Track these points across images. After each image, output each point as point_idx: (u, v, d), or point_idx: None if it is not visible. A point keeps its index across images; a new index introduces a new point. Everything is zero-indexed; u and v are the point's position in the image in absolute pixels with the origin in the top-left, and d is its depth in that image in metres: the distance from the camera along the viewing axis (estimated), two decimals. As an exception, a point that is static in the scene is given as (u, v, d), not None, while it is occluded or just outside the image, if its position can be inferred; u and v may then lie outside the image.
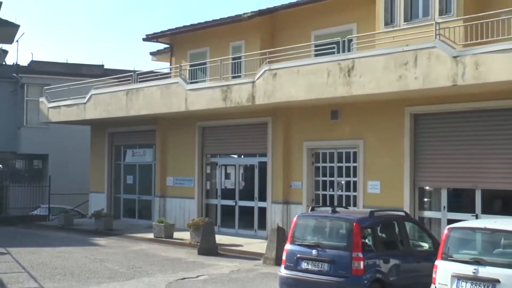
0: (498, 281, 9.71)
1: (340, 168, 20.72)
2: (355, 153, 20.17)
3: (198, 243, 20.29)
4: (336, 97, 18.42)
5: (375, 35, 19.50)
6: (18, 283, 14.67)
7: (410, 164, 18.53)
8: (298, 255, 12.24)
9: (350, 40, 19.74)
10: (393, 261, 12.13)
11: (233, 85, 21.14)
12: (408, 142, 18.59)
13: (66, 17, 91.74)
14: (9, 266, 17.21)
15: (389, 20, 19.52)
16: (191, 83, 23.56)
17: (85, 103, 27.50)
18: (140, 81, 25.52)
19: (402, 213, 13.96)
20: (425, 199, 18.81)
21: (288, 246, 12.63)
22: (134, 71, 27.55)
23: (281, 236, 17.56)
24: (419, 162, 18.54)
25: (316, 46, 21.03)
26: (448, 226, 11.09)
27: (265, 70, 19.91)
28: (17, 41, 37.34)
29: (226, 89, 21.26)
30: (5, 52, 29.87)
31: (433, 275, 10.59)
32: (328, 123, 20.63)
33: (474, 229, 10.83)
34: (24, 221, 29.34)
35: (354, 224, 11.87)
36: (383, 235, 12.83)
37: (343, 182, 20.69)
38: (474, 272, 9.96)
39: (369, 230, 12.30)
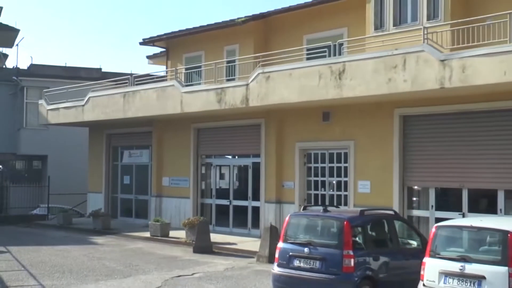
0: (483, 277, 9.74)
1: (331, 168, 20.73)
2: (346, 154, 20.18)
3: (193, 242, 20.27)
4: (328, 99, 18.43)
5: (365, 39, 19.52)
6: (18, 281, 14.64)
7: (399, 165, 18.56)
8: (291, 253, 12.25)
9: (341, 44, 19.76)
10: (382, 259, 12.14)
11: (228, 88, 21.13)
12: (397, 143, 18.62)
13: (65, 21, 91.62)
14: (9, 264, 17.17)
15: (379, 25, 19.54)
16: (187, 86, 23.53)
17: (83, 105, 27.46)
18: (136, 84, 25.49)
19: (391, 212, 13.99)
20: (414, 198, 18.83)
21: (280, 244, 12.63)
22: (131, 74, 27.49)
23: (274, 234, 17.54)
24: (408, 163, 18.57)
25: (308, 49, 21.05)
26: (436, 225, 11.12)
27: (259, 73, 19.91)
28: (17, 45, 37.32)
29: (221, 91, 21.25)
30: (5, 56, 29.82)
31: (421, 272, 10.61)
32: (320, 125, 20.64)
33: (460, 227, 10.86)
34: (24, 221, 29.27)
35: (345, 222, 11.87)
36: (373, 234, 12.85)
37: (334, 182, 20.69)
38: (460, 269, 9.99)
39: (359, 228, 12.30)
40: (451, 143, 17.65)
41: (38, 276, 15.26)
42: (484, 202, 17.30)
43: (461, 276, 9.98)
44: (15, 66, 40.38)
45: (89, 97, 27.21)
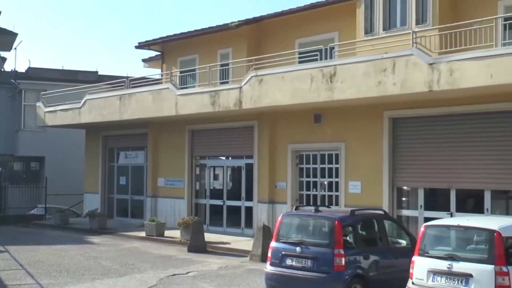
0: (470, 275, 9.77)
1: (322, 169, 20.74)
2: (337, 155, 20.20)
3: (188, 241, 20.24)
4: (319, 102, 18.44)
5: (356, 43, 19.56)
6: (16, 280, 14.60)
7: (389, 165, 18.58)
8: (283, 252, 12.25)
9: (332, 48, 19.79)
10: (372, 257, 12.14)
11: (221, 91, 21.13)
12: (387, 144, 18.65)
13: (62, 26, 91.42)
14: (7, 263, 17.11)
15: (369, 29, 19.57)
16: (181, 88, 23.53)
17: (80, 108, 27.42)
18: (132, 87, 25.47)
19: (381, 212, 13.99)
20: (403, 199, 18.86)
21: (273, 244, 12.63)
22: (127, 77, 27.47)
23: (266, 234, 17.54)
24: (398, 164, 18.60)
25: (300, 53, 21.08)
26: (424, 224, 11.15)
27: (252, 76, 19.92)
28: (15, 48, 37.03)
29: (215, 94, 21.25)
30: (3, 59, 29.66)
31: (410, 270, 10.63)
32: (312, 127, 20.65)
33: (448, 227, 10.90)
34: (22, 221, 29.18)
35: (336, 222, 11.88)
36: (363, 233, 12.85)
37: (325, 182, 20.71)
38: (448, 267, 10.02)
39: (350, 228, 12.32)
40: (439, 145, 17.69)
41: (36, 275, 15.21)
42: (471, 202, 17.35)
43: (449, 274, 10.01)
44: (13, 69, 40.24)
45: (86, 100, 27.16)
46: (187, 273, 15.88)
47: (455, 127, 17.35)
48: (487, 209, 16.63)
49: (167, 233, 22.90)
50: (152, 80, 26.31)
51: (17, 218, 29.56)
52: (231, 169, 24.77)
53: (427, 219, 15.62)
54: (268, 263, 12.55)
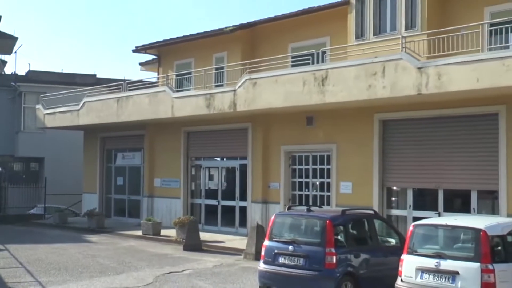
0: (457, 273, 9.80)
1: (314, 170, 20.76)
2: (328, 156, 20.21)
3: (184, 240, 20.22)
4: (311, 105, 18.46)
5: (347, 48, 19.57)
6: (16, 278, 14.55)
7: (379, 166, 18.61)
8: (276, 251, 12.25)
9: (324, 52, 19.81)
10: (363, 256, 12.16)
11: (216, 93, 21.12)
12: (377, 146, 18.67)
13: (62, 30, 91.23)
14: (7, 261, 17.06)
15: (360, 34, 19.61)
16: (177, 91, 23.51)
17: (78, 110, 27.36)
18: (129, 90, 25.42)
19: (371, 212, 14.00)
20: (393, 199, 18.88)
21: (266, 242, 12.62)
22: (124, 80, 27.41)
23: (260, 233, 17.54)
24: (387, 165, 18.62)
25: (292, 57, 21.10)
26: (413, 223, 11.18)
27: (246, 80, 19.92)
28: (15, 52, 36.85)
29: (210, 97, 21.24)
30: (4, 63, 29.61)
31: (399, 268, 10.66)
32: (304, 129, 20.66)
33: (436, 226, 10.94)
34: (22, 220, 29.10)
35: (327, 222, 11.89)
36: (354, 232, 12.87)
37: (317, 183, 20.72)
38: (436, 265, 10.05)
39: (341, 227, 12.32)
40: (427, 146, 17.73)
41: (35, 273, 15.17)
42: (458, 202, 17.39)
43: (437, 272, 10.04)
44: (13, 72, 40.14)
45: (84, 102, 27.11)
46: (182, 271, 15.87)
47: (443, 129, 17.39)
48: (474, 209, 16.68)
49: (163, 232, 22.87)
50: (149, 83, 26.36)
51: (16, 217, 29.47)
52: (225, 170, 24.76)
53: (415, 219, 15.63)
54: (262, 261, 12.54)
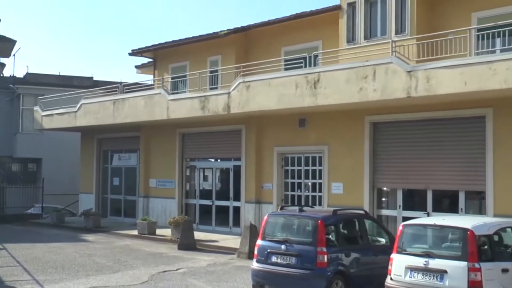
0: (445, 271, 9.83)
1: (307, 171, 20.77)
2: (320, 158, 20.23)
3: (178, 239, 20.21)
4: (304, 107, 18.47)
5: (339, 52, 19.62)
6: (13, 276, 14.51)
7: (370, 168, 18.64)
8: (269, 250, 12.25)
9: (316, 56, 19.84)
10: (353, 255, 12.17)
11: (211, 96, 21.11)
12: (368, 147, 18.71)
13: (59, 33, 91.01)
14: (5, 260, 17.01)
15: (351, 38, 19.65)
16: (172, 94, 23.47)
17: (75, 112, 27.29)
18: (126, 92, 25.39)
19: (362, 212, 13.99)
20: (383, 199, 18.91)
21: (259, 242, 12.62)
22: (120, 83, 27.39)
23: (253, 232, 17.54)
24: (378, 166, 18.66)
25: (285, 60, 21.14)
26: (403, 223, 11.21)
27: (240, 82, 19.93)
28: (14, 55, 36.86)
29: (204, 99, 21.23)
30: (2, 65, 29.48)
31: (389, 267, 10.68)
32: (296, 130, 20.68)
33: (425, 226, 10.97)
34: (20, 219, 29.03)
35: (319, 221, 11.90)
36: (345, 232, 12.88)
37: (309, 183, 20.73)
38: (425, 264, 10.08)
39: (332, 227, 12.33)
40: (417, 148, 17.77)
41: (33, 271, 15.14)
42: (446, 202, 17.43)
43: (425, 270, 10.07)
44: (12, 75, 40.00)
45: (81, 104, 27.05)
46: (177, 269, 15.85)
47: (432, 131, 17.43)
48: (462, 209, 16.73)
49: (158, 231, 22.85)
50: (145, 86, 26.25)
51: (15, 217, 29.38)
52: (219, 171, 24.75)
53: (405, 219, 15.67)
54: (255, 260, 12.54)
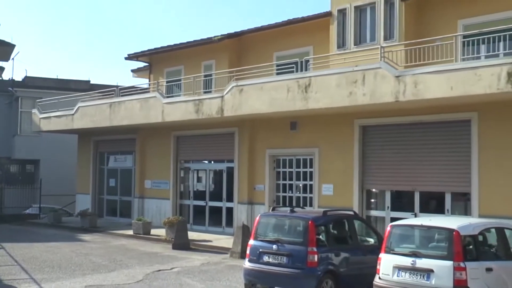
0: (432, 271, 9.85)
1: (298, 172, 20.78)
2: (311, 160, 20.25)
3: (173, 239, 20.17)
4: (295, 110, 18.48)
5: (329, 57, 19.65)
6: (11, 275, 14.45)
7: (359, 170, 18.66)
8: (261, 250, 12.24)
9: (307, 61, 19.88)
10: (343, 255, 12.17)
11: (205, 99, 21.10)
12: (357, 150, 18.72)
13: (57, 38, 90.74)
14: (2, 259, 16.93)
15: (341, 44, 19.69)
16: (167, 97, 23.45)
17: (73, 114, 27.23)
18: (122, 95, 25.34)
19: (351, 213, 14.01)
20: (372, 200, 18.93)
21: (251, 242, 12.61)
22: (116, 86, 27.32)
23: (245, 232, 17.52)
24: (367, 168, 18.68)
25: (277, 65, 21.14)
26: (390, 224, 11.22)
27: (233, 86, 19.92)
28: (12, 59, 36.67)
29: (198, 102, 21.22)
30: (1, 69, 29.34)
31: (378, 266, 10.68)
32: (288, 133, 20.68)
33: (412, 226, 10.98)
34: (18, 219, 28.91)
35: (310, 222, 11.90)
36: (335, 232, 12.88)
37: (300, 185, 20.73)
38: (412, 264, 10.09)
39: (322, 227, 12.33)
40: (405, 151, 17.80)
41: (30, 270, 15.08)
42: (433, 204, 17.45)
43: (413, 269, 10.08)
44: (10, 78, 39.88)
45: (78, 107, 26.99)
46: (171, 268, 15.82)
47: (419, 135, 17.47)
48: (448, 210, 16.77)
49: (153, 231, 22.80)
50: (140, 89, 26.27)
51: (13, 217, 29.26)
52: (213, 172, 24.73)
53: (393, 219, 15.69)
54: (247, 259, 12.53)
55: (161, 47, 26.27)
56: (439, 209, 16.93)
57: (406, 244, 10.67)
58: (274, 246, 12.04)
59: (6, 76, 39.23)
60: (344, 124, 18.90)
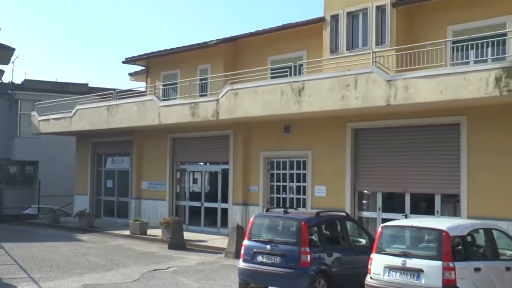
0: (422, 270, 9.86)
1: (291, 174, 20.78)
2: (304, 162, 20.25)
3: (169, 239, 20.13)
4: (289, 114, 18.49)
5: (322, 61, 19.66)
6: (10, 274, 14.39)
7: (351, 172, 18.67)
8: (255, 250, 12.22)
9: (300, 65, 19.89)
10: (335, 255, 12.16)
11: (200, 103, 21.09)
12: (350, 152, 18.74)
13: (56, 41, 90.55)
14: (2, 259, 16.86)
15: (334, 49, 19.70)
16: (164, 100, 23.44)
17: (71, 117, 27.18)
18: (119, 98, 25.30)
19: (343, 214, 13.98)
20: (363, 201, 18.93)
21: (246, 242, 12.59)
22: (114, 90, 27.30)
23: (240, 233, 17.50)
24: (359, 170, 18.69)
25: (271, 69, 21.16)
26: (382, 225, 11.21)
27: (228, 90, 19.92)
28: (12, 62, 36.67)
29: (194, 106, 21.20)
30: (1, 72, 29.27)
31: (369, 266, 10.68)
32: (282, 136, 20.68)
33: (403, 227, 10.97)
34: (17, 219, 28.82)
35: (303, 223, 11.89)
36: (327, 232, 12.86)
37: (294, 186, 20.73)
38: (402, 264, 10.09)
39: (315, 228, 12.31)
40: (396, 153, 17.82)
41: (29, 269, 15.02)
42: (423, 205, 17.48)
43: (403, 269, 10.08)
44: (10, 81, 39.71)
45: (77, 109, 26.94)
46: (167, 268, 15.79)
47: (410, 138, 17.50)
48: (438, 211, 16.80)
49: (149, 231, 22.75)
50: (138, 93, 26.18)
51: (12, 217, 29.17)
52: (208, 174, 24.71)
53: (384, 220, 15.71)
54: (241, 259, 12.51)
55: (158, 51, 26.25)
56: (429, 211, 16.96)
57: (396, 245, 10.67)
58: (268, 246, 12.03)
59: (6, 79, 39.15)
60: (336, 127, 18.91)
